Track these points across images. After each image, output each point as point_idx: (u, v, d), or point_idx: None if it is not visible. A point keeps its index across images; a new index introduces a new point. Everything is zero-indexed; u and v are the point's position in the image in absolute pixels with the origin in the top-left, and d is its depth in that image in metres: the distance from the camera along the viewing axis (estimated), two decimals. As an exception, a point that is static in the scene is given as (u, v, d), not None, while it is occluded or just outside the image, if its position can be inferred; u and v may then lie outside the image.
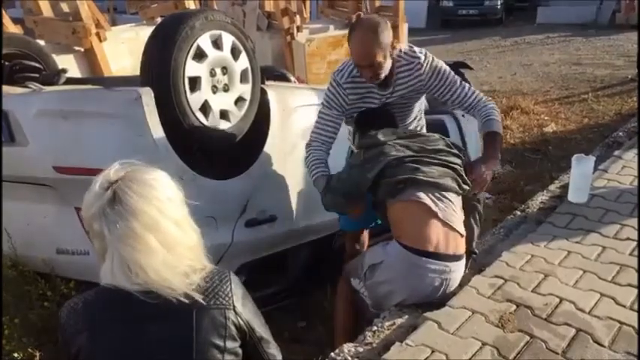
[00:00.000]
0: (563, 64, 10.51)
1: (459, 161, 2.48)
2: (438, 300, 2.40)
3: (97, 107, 2.59)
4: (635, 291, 2.47)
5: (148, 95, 2.47)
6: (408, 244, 2.32)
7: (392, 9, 7.39)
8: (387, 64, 2.47)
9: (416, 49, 2.62)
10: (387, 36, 2.41)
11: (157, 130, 2.51)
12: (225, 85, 2.77)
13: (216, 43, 2.71)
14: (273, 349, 1.47)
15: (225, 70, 2.76)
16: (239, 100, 2.85)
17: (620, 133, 4.91)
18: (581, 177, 3.37)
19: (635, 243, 2.89)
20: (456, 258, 2.37)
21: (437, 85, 2.63)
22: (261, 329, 1.42)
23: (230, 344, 1.31)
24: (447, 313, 2.34)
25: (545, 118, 7.01)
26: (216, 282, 1.33)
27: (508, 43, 13.68)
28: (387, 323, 2.33)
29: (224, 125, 2.77)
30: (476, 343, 2.15)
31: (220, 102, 2.75)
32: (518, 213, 3.38)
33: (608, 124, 6.44)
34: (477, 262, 2.76)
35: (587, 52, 11.54)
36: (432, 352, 2.10)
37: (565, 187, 3.54)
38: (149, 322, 1.24)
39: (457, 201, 2.44)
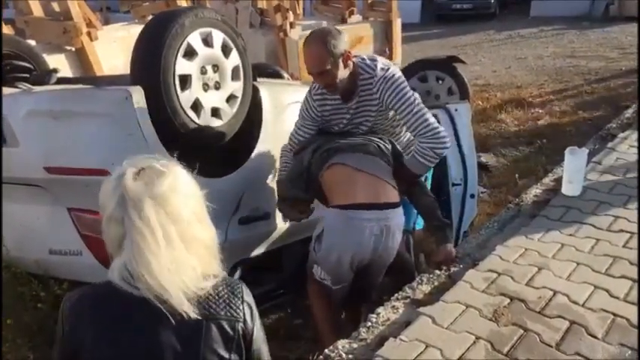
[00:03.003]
0: (557, 57, 10.51)
1: (380, 140, 2.66)
2: (386, 253, 2.50)
3: (88, 107, 2.58)
4: (629, 283, 2.48)
5: (138, 94, 2.45)
6: (340, 204, 2.44)
7: (385, 4, 7.38)
8: (341, 74, 2.51)
9: (379, 63, 2.59)
10: (336, 45, 2.46)
11: (148, 129, 2.49)
12: (217, 82, 2.75)
13: (207, 41, 2.69)
14: None
15: (216, 67, 2.74)
16: (231, 98, 2.84)
17: (614, 125, 4.91)
18: (574, 170, 3.37)
19: (628, 235, 2.89)
20: (389, 205, 2.45)
21: (391, 103, 2.55)
22: (260, 343, 1.38)
23: (235, 357, 1.29)
24: (441, 308, 2.34)
25: (540, 111, 7.01)
26: (228, 292, 1.31)
27: (502, 37, 13.68)
28: (381, 319, 2.33)
29: (216, 123, 2.75)
30: (470, 337, 2.15)
31: (212, 100, 2.73)
32: (512, 207, 3.38)
33: (601, 117, 6.45)
34: (471, 257, 2.77)
35: (581, 45, 11.55)
36: (426, 347, 2.10)
37: (559, 180, 3.54)
38: (158, 327, 1.21)
39: (381, 163, 2.58)
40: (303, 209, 2.77)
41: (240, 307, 1.30)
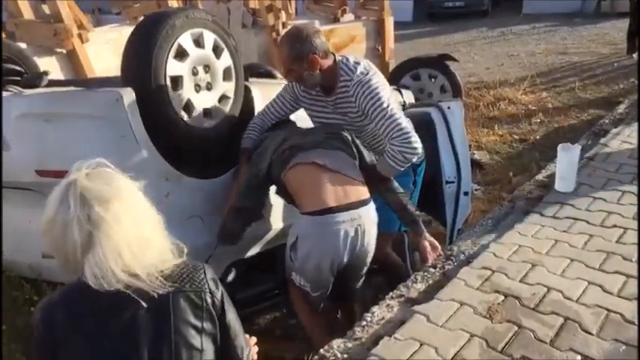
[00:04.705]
0: (550, 53, 10.53)
1: (344, 133, 2.64)
2: (363, 251, 2.48)
3: (79, 109, 2.56)
4: (623, 278, 2.49)
5: (129, 96, 2.44)
6: (311, 210, 2.40)
7: (377, 3, 7.38)
8: (308, 74, 2.57)
9: (360, 66, 2.60)
10: (301, 48, 2.52)
11: (140, 131, 2.48)
12: (208, 83, 2.74)
13: (198, 42, 2.68)
14: (241, 341, 1.47)
15: (207, 68, 2.73)
16: (223, 98, 2.83)
17: (606, 121, 4.94)
18: (567, 166, 3.38)
19: (622, 230, 2.91)
20: (360, 204, 2.44)
21: (365, 107, 2.55)
22: (232, 316, 1.44)
23: (207, 326, 1.35)
24: (435, 306, 2.34)
25: (533, 107, 7.02)
26: (189, 270, 1.38)
27: (495, 34, 13.69)
28: (376, 318, 2.33)
29: (208, 124, 2.75)
30: (464, 335, 2.16)
31: (204, 100, 2.72)
32: (506, 203, 3.39)
33: (594, 113, 6.47)
34: (465, 254, 2.77)
35: (573, 41, 11.57)
36: (421, 345, 2.11)
37: (552, 177, 3.56)
38: (129, 311, 1.28)
39: (346, 158, 2.56)
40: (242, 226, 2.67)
41: (204, 280, 1.37)
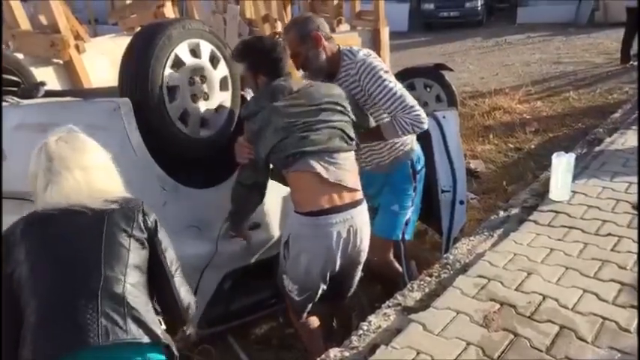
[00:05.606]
0: (544, 63, 10.60)
1: (343, 117, 2.52)
2: (355, 252, 2.48)
3: (76, 119, 2.55)
4: (618, 286, 2.50)
5: (126, 106, 2.45)
6: (305, 211, 2.41)
7: (373, 13, 7.43)
8: (313, 53, 2.67)
9: (362, 51, 2.70)
10: (302, 28, 2.66)
11: (137, 141, 2.49)
12: (205, 93, 2.76)
13: (195, 52, 2.70)
14: (171, 254, 1.77)
15: (204, 78, 2.75)
16: (219, 108, 2.84)
17: (601, 130, 4.97)
18: (562, 175, 3.40)
19: (616, 238, 2.93)
20: (352, 205, 2.44)
21: (370, 88, 2.63)
22: (164, 235, 1.76)
23: (136, 232, 1.66)
24: (431, 315, 2.35)
25: (528, 117, 7.06)
26: (126, 198, 1.72)
27: (490, 44, 13.78)
28: (372, 327, 2.34)
29: (205, 133, 2.76)
30: (461, 343, 2.17)
31: (200, 110, 2.74)
32: (501, 212, 3.40)
33: (588, 122, 6.51)
34: (461, 263, 2.78)
35: (568, 51, 11.65)
36: (418, 354, 2.11)
37: (547, 185, 3.57)
38: (74, 216, 1.61)
39: (348, 157, 2.52)
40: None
41: (139, 204, 1.72)
